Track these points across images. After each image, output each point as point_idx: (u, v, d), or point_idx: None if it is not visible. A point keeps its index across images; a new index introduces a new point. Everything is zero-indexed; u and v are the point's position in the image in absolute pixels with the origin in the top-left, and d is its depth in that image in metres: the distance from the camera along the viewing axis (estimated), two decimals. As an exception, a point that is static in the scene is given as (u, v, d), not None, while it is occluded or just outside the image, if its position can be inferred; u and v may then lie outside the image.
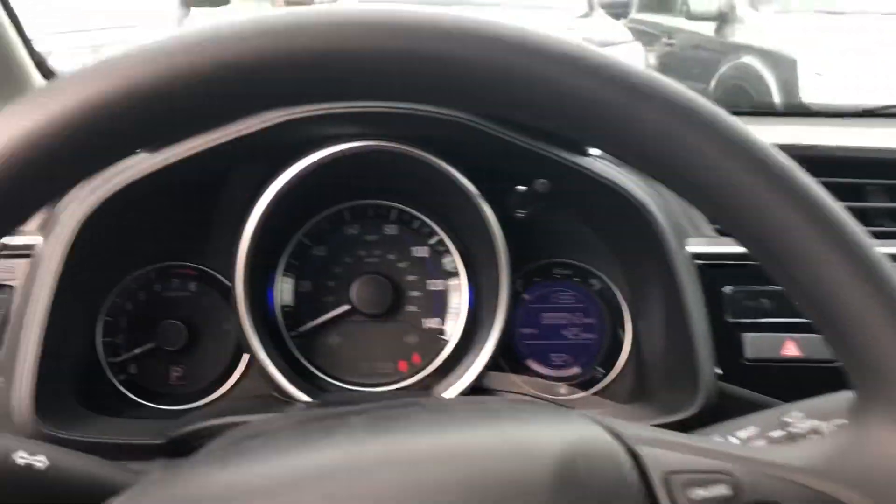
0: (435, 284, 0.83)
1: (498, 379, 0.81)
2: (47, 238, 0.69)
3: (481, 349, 0.77)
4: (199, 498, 0.35)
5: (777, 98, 3.90)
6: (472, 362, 0.77)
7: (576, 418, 0.42)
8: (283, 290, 0.81)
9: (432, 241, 0.84)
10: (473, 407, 0.45)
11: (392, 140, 0.73)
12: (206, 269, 0.80)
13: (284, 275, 0.81)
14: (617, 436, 0.40)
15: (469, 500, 0.36)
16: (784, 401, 0.47)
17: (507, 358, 0.83)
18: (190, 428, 0.68)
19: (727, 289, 0.74)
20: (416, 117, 0.70)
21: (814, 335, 0.71)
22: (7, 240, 0.70)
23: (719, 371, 0.68)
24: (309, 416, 0.45)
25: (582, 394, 0.82)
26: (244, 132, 0.69)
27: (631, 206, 0.72)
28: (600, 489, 0.38)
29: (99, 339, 0.78)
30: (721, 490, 0.38)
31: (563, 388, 0.82)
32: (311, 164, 0.73)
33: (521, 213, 0.76)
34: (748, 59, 4.18)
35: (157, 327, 0.79)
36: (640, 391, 0.79)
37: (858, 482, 0.38)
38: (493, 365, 0.79)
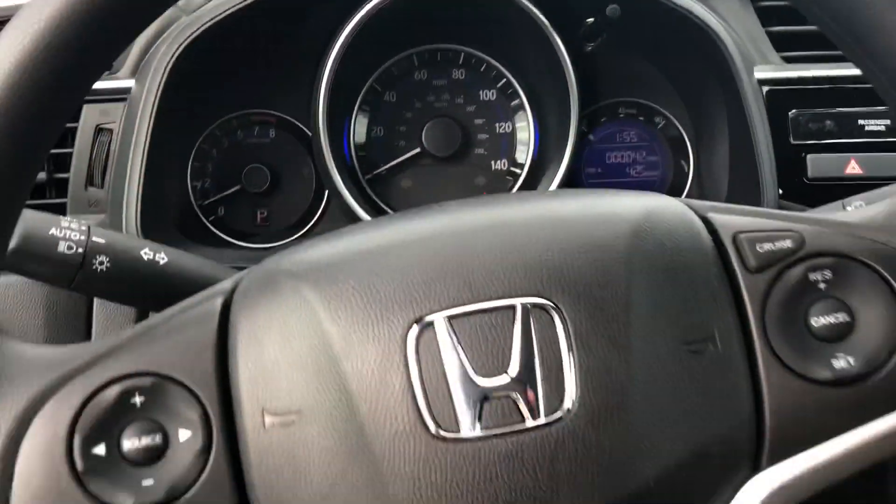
0: (503, 127, 0.88)
1: None
2: (140, 82, 0.74)
3: (548, 185, 0.81)
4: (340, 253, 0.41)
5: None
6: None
7: (652, 195, 0.46)
8: (357, 134, 0.86)
9: (500, 83, 0.87)
10: (557, 192, 0.49)
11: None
12: (285, 116, 0.85)
13: (358, 120, 0.86)
14: (689, 206, 0.44)
15: (562, 253, 0.40)
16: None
17: (572, 196, 0.87)
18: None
19: (792, 112, 0.76)
20: None
21: (877, 154, 0.74)
22: (102, 84, 0.75)
23: (780, 191, 0.71)
24: (411, 211, 0.49)
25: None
26: None
27: (702, 32, 0.75)
28: (675, 246, 0.42)
29: (188, 183, 0.84)
30: (786, 244, 0.42)
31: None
32: (380, 3, 0.76)
33: (589, 46, 0.79)
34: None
35: (241, 171, 0.84)
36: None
37: None
38: (560, 202, 0.83)
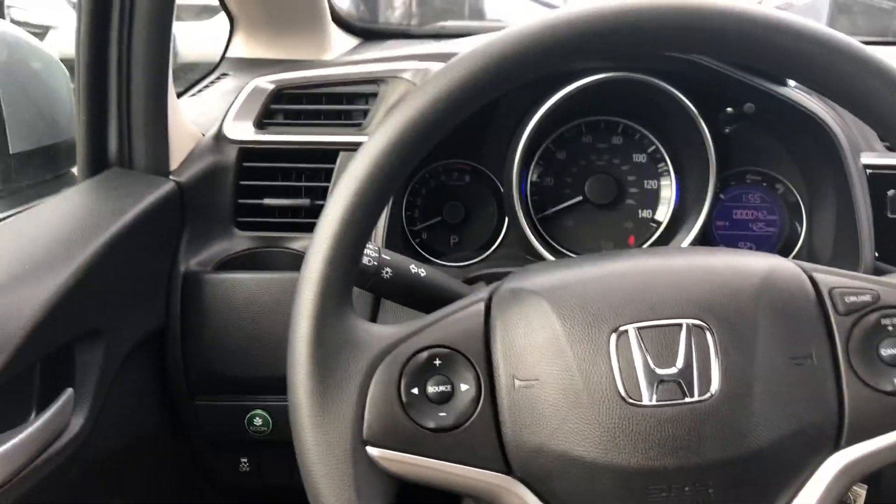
0: (650, 184, 1.07)
1: None
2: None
3: (687, 233, 1.01)
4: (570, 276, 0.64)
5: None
6: (678, 243, 1.02)
7: (774, 256, 0.66)
8: (533, 183, 1.07)
9: (650, 150, 1.07)
10: (707, 248, 0.70)
11: (633, 71, 0.97)
12: (478, 166, 1.07)
13: (534, 172, 1.07)
14: (800, 266, 0.64)
15: (713, 292, 0.60)
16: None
17: (703, 244, 1.06)
18: (480, 272, 0.97)
19: (891, 192, 0.93)
20: (652, 55, 0.93)
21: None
22: (354, 138, 1.00)
23: (876, 254, 0.90)
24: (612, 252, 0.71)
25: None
26: None
27: (818, 125, 0.92)
28: (789, 292, 0.61)
29: (402, 214, 1.08)
30: (866, 297, 0.61)
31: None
32: (570, 91, 0.98)
33: (727, 130, 0.99)
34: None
35: (442, 206, 1.07)
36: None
37: None
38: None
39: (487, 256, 1.08)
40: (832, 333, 0.61)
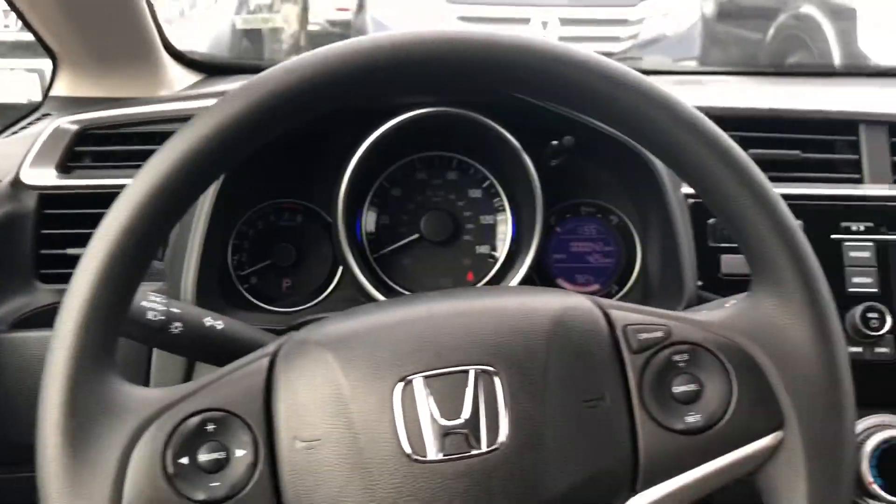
0: (486, 219, 1.05)
1: None
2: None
3: (520, 268, 0.99)
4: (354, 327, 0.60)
5: (834, 50, 3.93)
6: (512, 278, 1.00)
7: (569, 293, 0.64)
8: (368, 222, 1.04)
9: (485, 184, 1.05)
10: (503, 288, 0.68)
11: (454, 106, 0.95)
12: (310, 205, 1.04)
13: (369, 210, 1.04)
14: (597, 303, 0.62)
15: (502, 335, 0.58)
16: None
17: (542, 278, 1.05)
18: (305, 318, 0.92)
19: (711, 220, 0.94)
20: (473, 90, 0.91)
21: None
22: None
23: (700, 283, 0.90)
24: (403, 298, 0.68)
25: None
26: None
27: (637, 156, 0.93)
28: (582, 332, 0.60)
29: (229, 258, 1.02)
30: (658, 334, 0.60)
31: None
32: (394, 125, 0.95)
33: (553, 163, 0.98)
34: (808, 9, 4.19)
35: (272, 248, 1.03)
36: (643, 301, 1.00)
37: (749, 332, 0.60)
38: (529, 282, 1.02)
39: (322, 300, 1.03)
40: (626, 373, 0.59)
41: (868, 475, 0.78)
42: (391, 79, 0.57)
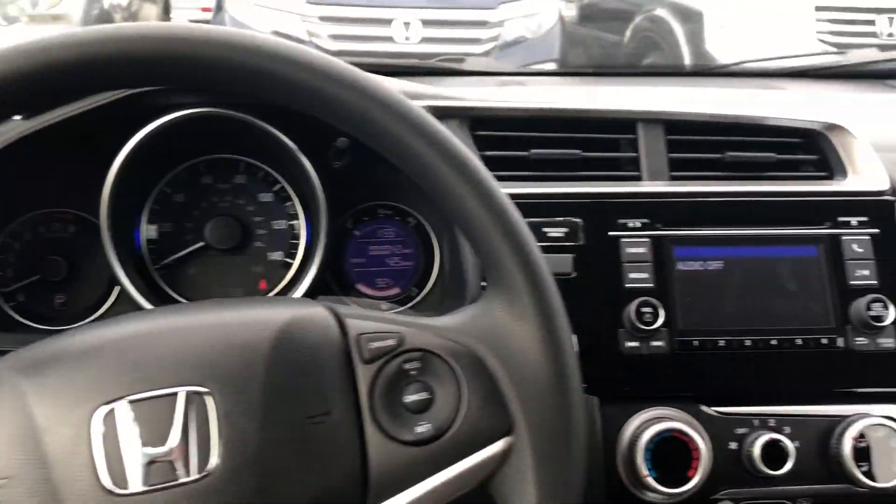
0: (279, 224, 1.00)
1: (330, 300, 0.99)
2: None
3: (308, 274, 0.95)
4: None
5: (684, 51, 4.09)
6: (303, 285, 0.95)
7: (306, 303, 0.61)
8: (148, 230, 0.97)
9: (276, 188, 1.00)
10: (227, 301, 0.63)
11: (222, 107, 0.89)
12: (82, 214, 0.96)
13: (149, 218, 0.98)
14: (334, 313, 0.59)
15: (217, 352, 0.54)
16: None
17: (341, 283, 1.01)
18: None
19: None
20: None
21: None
22: None
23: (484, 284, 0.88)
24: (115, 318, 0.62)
25: (400, 309, 1.01)
26: (101, 102, 0.85)
27: None
28: (310, 344, 0.56)
29: None
30: (390, 342, 0.57)
31: (384, 305, 1.01)
32: (158, 126, 0.89)
33: (337, 165, 0.94)
34: (661, 12, 4.35)
35: (41, 262, 0.95)
36: (442, 302, 0.98)
37: (480, 335, 0.58)
38: (325, 289, 0.98)
39: (101, 315, 0.96)
40: (356, 384, 0.56)
41: (643, 468, 0.78)
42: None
